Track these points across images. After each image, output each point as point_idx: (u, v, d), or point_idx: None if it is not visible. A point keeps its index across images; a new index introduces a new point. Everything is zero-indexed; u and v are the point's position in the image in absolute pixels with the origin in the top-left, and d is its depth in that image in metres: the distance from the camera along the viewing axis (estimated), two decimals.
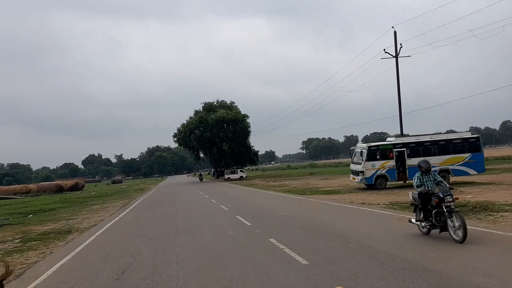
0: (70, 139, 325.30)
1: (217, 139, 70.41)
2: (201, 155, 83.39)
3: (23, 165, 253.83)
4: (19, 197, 70.75)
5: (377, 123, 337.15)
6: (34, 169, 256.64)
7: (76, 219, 22.96)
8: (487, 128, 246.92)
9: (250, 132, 72.27)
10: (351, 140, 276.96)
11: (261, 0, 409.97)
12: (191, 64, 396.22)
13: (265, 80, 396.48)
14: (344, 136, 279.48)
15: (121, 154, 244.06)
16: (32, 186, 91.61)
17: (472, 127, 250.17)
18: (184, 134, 72.77)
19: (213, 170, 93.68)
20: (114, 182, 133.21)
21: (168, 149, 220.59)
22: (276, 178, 61.90)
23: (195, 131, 73.01)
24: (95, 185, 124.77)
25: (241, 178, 69.89)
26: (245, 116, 71.96)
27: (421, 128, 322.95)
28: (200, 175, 72.80)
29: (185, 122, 74.76)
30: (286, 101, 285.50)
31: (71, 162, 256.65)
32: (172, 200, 30.96)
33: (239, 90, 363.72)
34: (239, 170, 71.27)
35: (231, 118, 69.64)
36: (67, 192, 77.54)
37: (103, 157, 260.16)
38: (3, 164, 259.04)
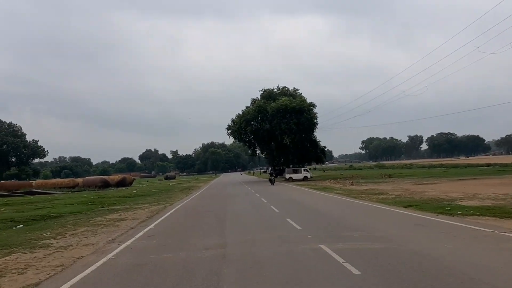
0: (130, 134, 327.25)
1: (277, 132, 58.71)
2: (258, 151, 71.76)
3: (83, 158, 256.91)
4: (58, 192, 63.11)
5: (440, 123, 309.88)
6: (94, 163, 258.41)
7: (47, 248, 12.52)
8: None
9: (317, 124, 59.97)
10: (415, 140, 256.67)
11: None
12: (246, 62, 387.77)
13: (321, 78, 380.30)
14: (408, 136, 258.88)
15: (177, 150, 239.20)
16: (79, 180, 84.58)
17: None
18: (240, 126, 61.66)
19: (270, 168, 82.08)
20: (167, 178, 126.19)
21: (222, 145, 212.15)
22: (351, 180, 49.31)
23: (252, 122, 61.78)
24: (147, 181, 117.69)
25: (305, 178, 57.94)
26: (311, 105, 59.68)
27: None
28: (271, 174, 52.31)
29: (240, 113, 63.74)
30: (342, 100, 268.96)
31: (130, 157, 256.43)
32: (220, 214, 19.33)
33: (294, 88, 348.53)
34: (303, 169, 59.25)
35: (295, 107, 57.67)
36: (112, 188, 70.16)
37: (159, 152, 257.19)
38: (65, 158, 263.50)
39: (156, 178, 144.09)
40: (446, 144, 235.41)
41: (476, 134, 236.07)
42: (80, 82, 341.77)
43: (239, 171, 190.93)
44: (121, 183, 78.38)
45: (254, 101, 64.30)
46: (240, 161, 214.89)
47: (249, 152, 75.97)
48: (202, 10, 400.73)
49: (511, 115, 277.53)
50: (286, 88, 64.96)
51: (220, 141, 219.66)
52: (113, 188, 71.10)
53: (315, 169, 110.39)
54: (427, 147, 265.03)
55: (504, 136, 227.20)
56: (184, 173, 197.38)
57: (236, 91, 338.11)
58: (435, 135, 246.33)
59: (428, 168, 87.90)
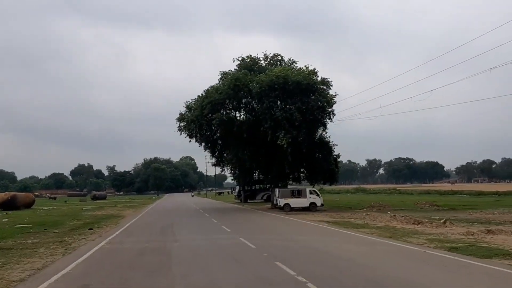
0: (67, 149, 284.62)
1: (267, 124, 32.93)
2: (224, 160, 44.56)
3: (7, 172, 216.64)
4: None
5: (384, 149, 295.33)
6: (20, 178, 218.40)
7: None
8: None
9: (333, 114, 34.53)
10: (374, 164, 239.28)
11: (272, 17, 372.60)
12: (197, 79, 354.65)
13: None
14: (366, 160, 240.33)
15: (114, 166, 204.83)
16: None
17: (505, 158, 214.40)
18: (200, 113, 35.13)
19: (238, 188, 55.93)
20: (94, 198, 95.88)
21: (168, 161, 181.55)
22: (439, 218, 24.77)
23: (220, 109, 35.67)
24: (65, 201, 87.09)
25: (312, 206, 32.52)
26: (325, 83, 34.26)
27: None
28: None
29: (203, 93, 37.13)
30: None
31: (61, 172, 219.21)
32: None
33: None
34: (308, 189, 33.68)
35: (300, 81, 32.23)
36: None
37: (94, 168, 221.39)
38: None
39: (86, 197, 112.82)
40: (405, 170, 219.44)
41: (435, 160, 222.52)
42: (15, 92, 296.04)
43: (186, 191, 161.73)
44: (9, 205, 49.91)
45: (224, 74, 37.96)
46: (188, 180, 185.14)
47: (211, 160, 49.06)
48: (152, 21, 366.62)
49: (468, 143, 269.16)
50: (279, 57, 39.02)
51: (166, 157, 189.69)
52: None
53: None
54: (383, 172, 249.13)
55: (464, 163, 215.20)
56: (121, 192, 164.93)
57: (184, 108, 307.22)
58: (393, 160, 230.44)
59: (442, 194, 65.15)
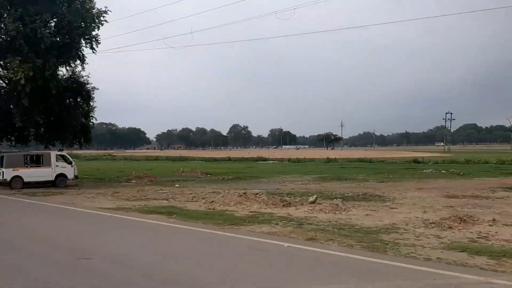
0: None
1: None
2: None
3: None
4: None
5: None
6: None
7: None
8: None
9: (98, 41, 22.64)
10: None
11: None
12: None
13: None
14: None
15: None
16: None
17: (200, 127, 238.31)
18: None
19: None
20: None
21: None
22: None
23: None
24: None
25: (59, 181, 20.97)
26: None
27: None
28: None
29: None
30: None
31: None
32: None
33: None
34: (54, 154, 21.47)
35: None
36: None
37: None
38: None
39: None
40: (108, 135, 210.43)
41: (137, 127, 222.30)
42: None
43: None
44: None
45: None
46: None
47: None
48: None
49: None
50: None
51: None
52: None
53: None
54: None
55: (165, 131, 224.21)
56: None
57: None
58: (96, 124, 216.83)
59: (175, 160, 60.59)
